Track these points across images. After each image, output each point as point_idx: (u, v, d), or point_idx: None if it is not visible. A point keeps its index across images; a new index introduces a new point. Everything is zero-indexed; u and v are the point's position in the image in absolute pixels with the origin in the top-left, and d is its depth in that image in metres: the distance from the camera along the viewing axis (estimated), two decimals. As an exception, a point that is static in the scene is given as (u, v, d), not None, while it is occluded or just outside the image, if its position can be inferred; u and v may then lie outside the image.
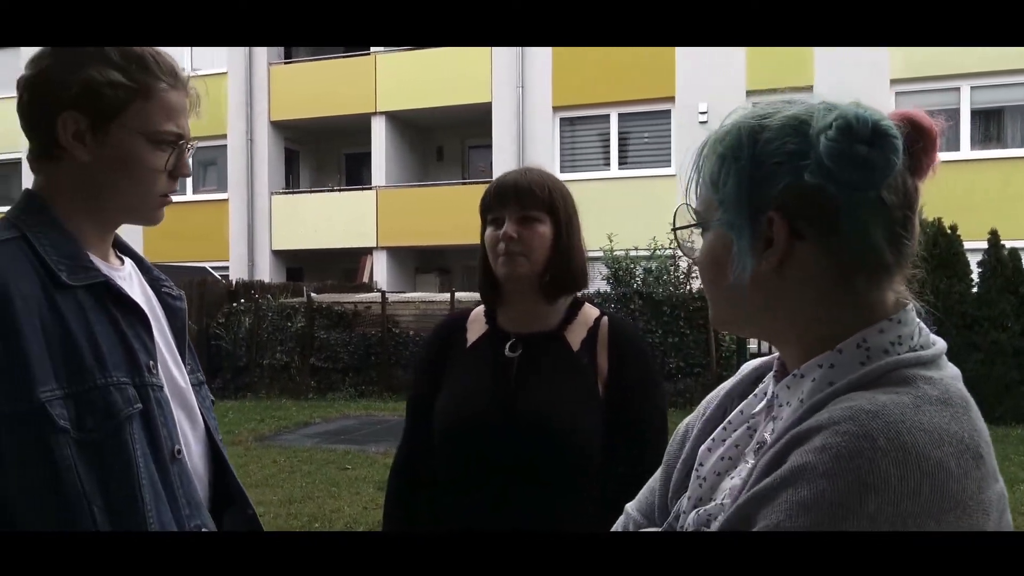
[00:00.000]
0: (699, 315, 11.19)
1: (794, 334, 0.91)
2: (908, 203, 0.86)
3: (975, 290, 9.77)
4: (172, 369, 1.38)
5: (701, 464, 1.02)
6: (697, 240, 0.97)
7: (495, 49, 16.65)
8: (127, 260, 1.43)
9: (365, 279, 17.90)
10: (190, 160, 1.37)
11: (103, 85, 1.25)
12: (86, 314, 1.22)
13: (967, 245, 9.81)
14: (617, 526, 1.17)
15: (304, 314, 12.86)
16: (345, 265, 19.36)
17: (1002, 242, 9.88)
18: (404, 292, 15.94)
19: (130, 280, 1.39)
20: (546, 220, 1.72)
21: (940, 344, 0.88)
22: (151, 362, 1.28)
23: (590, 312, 1.82)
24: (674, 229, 0.97)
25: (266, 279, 16.93)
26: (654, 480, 1.14)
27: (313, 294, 13.44)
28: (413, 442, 1.85)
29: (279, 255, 18.97)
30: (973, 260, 9.89)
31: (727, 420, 1.03)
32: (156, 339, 1.34)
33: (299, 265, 19.67)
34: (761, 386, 1.03)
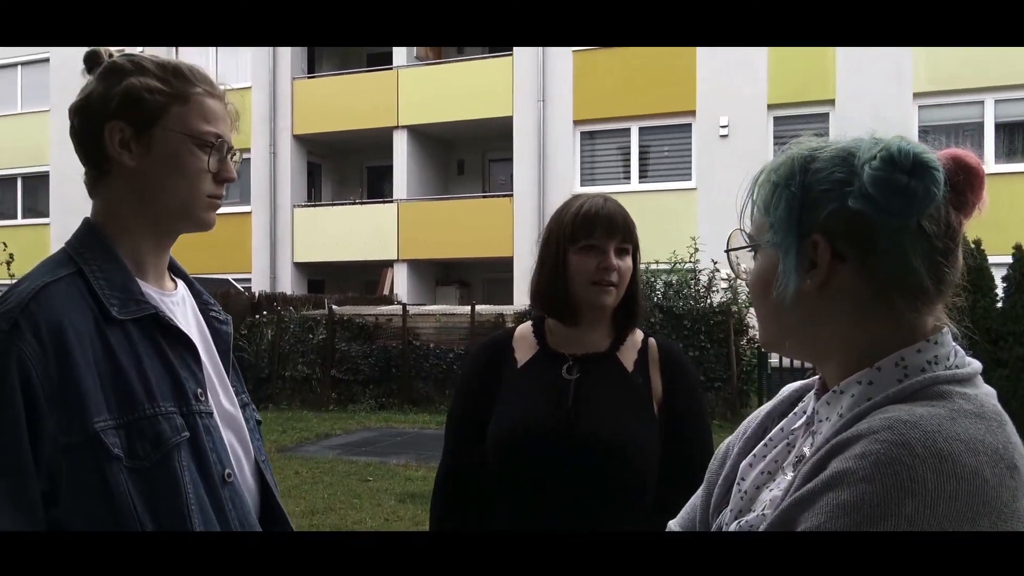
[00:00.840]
0: (719, 329, 11.15)
1: (835, 352, 0.96)
2: (950, 234, 0.91)
3: (1000, 305, 9.67)
4: (220, 394, 1.43)
5: (743, 479, 1.06)
6: (749, 263, 1.03)
7: (516, 63, 16.75)
8: (180, 283, 1.47)
9: (386, 292, 17.99)
10: (233, 165, 1.42)
11: (142, 90, 1.32)
12: (135, 347, 1.27)
13: (992, 260, 9.71)
14: None
15: (325, 326, 12.95)
16: (366, 278, 19.48)
17: (1027, 257, 9.78)
18: (424, 305, 16.00)
19: (183, 304, 1.43)
20: (630, 253, 1.80)
21: (976, 364, 0.93)
22: (199, 390, 1.33)
23: (637, 333, 1.87)
24: (727, 251, 1.04)
25: (288, 291, 17.08)
26: (696, 497, 1.19)
27: (334, 306, 13.53)
28: (460, 461, 1.86)
29: (301, 267, 19.12)
30: (998, 275, 9.79)
31: (768, 437, 1.08)
32: (205, 364, 1.38)
33: (321, 277, 19.81)
34: (801, 405, 1.08)
